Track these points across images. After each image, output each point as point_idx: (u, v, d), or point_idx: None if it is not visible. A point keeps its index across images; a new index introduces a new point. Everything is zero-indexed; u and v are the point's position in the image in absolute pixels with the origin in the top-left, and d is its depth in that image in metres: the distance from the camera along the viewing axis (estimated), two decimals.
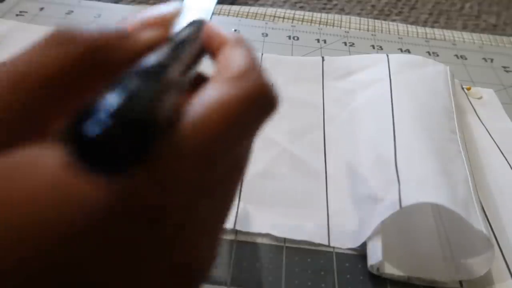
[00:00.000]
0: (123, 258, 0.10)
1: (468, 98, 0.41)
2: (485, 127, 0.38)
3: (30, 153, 0.10)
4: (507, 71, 0.46)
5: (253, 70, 0.13)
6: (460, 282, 0.25)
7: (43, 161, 0.09)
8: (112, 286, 0.10)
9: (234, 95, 0.12)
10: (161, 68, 0.11)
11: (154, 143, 0.09)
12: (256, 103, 0.12)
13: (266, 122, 0.13)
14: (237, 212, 0.28)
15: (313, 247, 0.27)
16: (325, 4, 0.59)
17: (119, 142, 0.09)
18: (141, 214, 0.10)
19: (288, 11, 0.53)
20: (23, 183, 0.09)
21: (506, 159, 0.34)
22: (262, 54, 0.42)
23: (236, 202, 0.28)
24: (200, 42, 0.15)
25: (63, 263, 0.09)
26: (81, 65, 0.12)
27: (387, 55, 0.39)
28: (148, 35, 0.13)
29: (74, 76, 0.11)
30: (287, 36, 0.48)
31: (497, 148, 0.35)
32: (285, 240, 0.27)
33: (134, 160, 0.09)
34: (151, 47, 0.13)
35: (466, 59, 0.48)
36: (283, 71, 0.41)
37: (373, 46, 0.48)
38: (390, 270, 0.25)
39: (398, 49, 0.48)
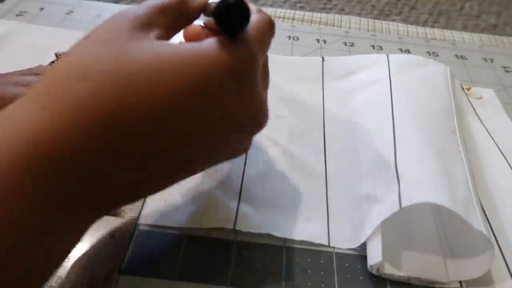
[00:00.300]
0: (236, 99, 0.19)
1: (468, 98, 0.41)
2: (485, 127, 0.38)
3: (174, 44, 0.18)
4: (507, 71, 0.46)
5: (261, 10, 0.23)
6: (460, 282, 0.25)
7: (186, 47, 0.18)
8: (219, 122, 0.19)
9: (264, 18, 0.22)
10: None
11: (247, 22, 0.19)
12: (272, 23, 0.22)
13: (271, 40, 0.23)
14: (237, 212, 0.28)
15: (313, 247, 0.27)
16: (325, 4, 0.59)
17: (237, 14, 0.18)
18: (247, 65, 0.19)
19: (288, 11, 0.53)
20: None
21: (506, 159, 0.34)
22: None
23: (236, 202, 0.28)
24: None
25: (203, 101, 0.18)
26: (176, 7, 0.21)
27: (387, 55, 0.39)
28: (199, 4, 0.22)
29: (176, 12, 0.21)
30: (287, 36, 0.48)
31: (497, 148, 0.35)
32: (285, 240, 0.27)
33: (242, 26, 0.19)
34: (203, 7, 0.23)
35: (466, 59, 0.48)
36: (283, 71, 0.41)
37: (373, 46, 0.48)
38: (390, 270, 0.25)
39: (398, 49, 0.48)
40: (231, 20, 0.18)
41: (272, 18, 0.22)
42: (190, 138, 0.18)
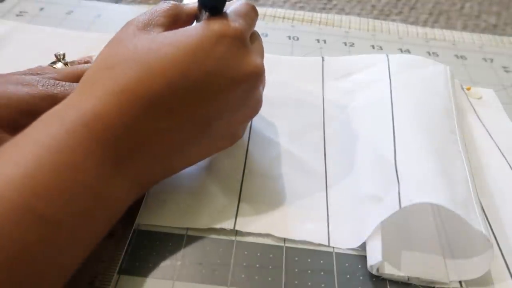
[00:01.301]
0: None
1: (468, 98, 0.41)
2: (485, 127, 0.38)
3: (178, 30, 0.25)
4: (507, 71, 0.46)
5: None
6: (460, 282, 0.25)
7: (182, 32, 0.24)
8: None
9: (243, 2, 0.28)
10: None
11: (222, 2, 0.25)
12: (252, 5, 0.28)
13: (255, 22, 0.28)
14: (237, 212, 0.28)
15: (313, 247, 0.27)
16: (325, 4, 0.59)
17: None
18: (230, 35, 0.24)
19: (288, 11, 0.53)
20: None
21: (506, 159, 0.34)
22: None
23: (236, 202, 0.28)
24: None
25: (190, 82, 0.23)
26: (173, 11, 0.27)
27: (387, 56, 0.39)
28: (191, 7, 0.28)
29: (173, 15, 0.27)
30: (287, 36, 0.48)
31: (497, 148, 0.35)
32: (285, 240, 0.27)
33: (221, 7, 0.25)
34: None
35: (466, 59, 0.48)
36: (283, 71, 0.41)
37: (373, 46, 0.48)
38: (390, 270, 0.25)
39: (398, 49, 0.48)
40: (209, 1, 0.25)
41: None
42: (201, 94, 0.23)
